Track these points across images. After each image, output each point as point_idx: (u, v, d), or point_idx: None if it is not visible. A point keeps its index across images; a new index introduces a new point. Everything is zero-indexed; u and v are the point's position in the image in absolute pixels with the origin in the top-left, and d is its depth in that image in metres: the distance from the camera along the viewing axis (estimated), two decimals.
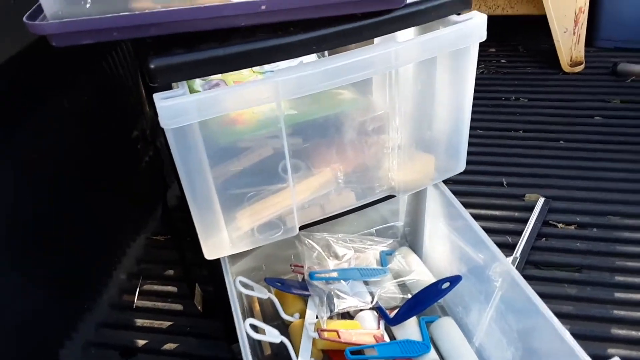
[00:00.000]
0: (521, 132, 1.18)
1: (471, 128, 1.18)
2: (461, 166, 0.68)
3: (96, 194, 0.85)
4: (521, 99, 1.29)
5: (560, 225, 0.94)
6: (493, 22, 1.49)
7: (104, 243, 0.90)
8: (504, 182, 1.04)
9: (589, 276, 0.85)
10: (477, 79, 1.35)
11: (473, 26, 0.58)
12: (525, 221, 0.94)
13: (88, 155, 0.83)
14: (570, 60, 1.34)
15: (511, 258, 0.86)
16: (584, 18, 1.29)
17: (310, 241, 0.70)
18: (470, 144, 1.14)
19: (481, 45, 1.59)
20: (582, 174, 1.04)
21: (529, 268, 0.87)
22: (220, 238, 0.54)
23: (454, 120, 0.65)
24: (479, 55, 1.46)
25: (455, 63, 0.61)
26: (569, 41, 1.31)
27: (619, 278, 0.85)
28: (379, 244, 0.77)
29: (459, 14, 0.59)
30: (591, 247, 0.90)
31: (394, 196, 0.65)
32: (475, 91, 1.37)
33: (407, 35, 0.62)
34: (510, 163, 1.09)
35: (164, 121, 0.44)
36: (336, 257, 0.72)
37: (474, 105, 1.31)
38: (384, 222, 0.82)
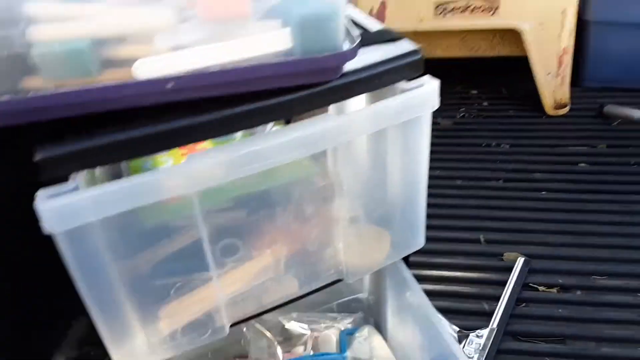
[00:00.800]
0: (501, 181, 1.12)
1: (451, 178, 1.14)
2: (420, 242, 0.62)
3: None
4: (502, 145, 1.23)
5: (541, 288, 0.87)
6: (475, 64, 1.47)
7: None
8: (482, 239, 0.98)
9: (573, 348, 0.78)
10: (458, 123, 1.33)
11: (423, 94, 0.53)
12: (503, 284, 0.88)
13: None
14: (555, 103, 1.29)
15: (487, 330, 0.79)
16: (568, 59, 1.25)
17: (258, 325, 0.63)
18: (449, 196, 1.10)
19: (463, 87, 1.56)
20: (565, 228, 0.98)
21: (508, 340, 0.80)
22: (133, 346, 0.47)
23: (409, 194, 0.59)
24: (462, 99, 1.44)
25: (407, 134, 0.55)
26: (552, 83, 1.26)
27: (606, 349, 0.78)
28: (341, 321, 0.71)
29: (409, 80, 0.54)
30: (575, 314, 0.83)
31: (341, 280, 0.58)
32: (456, 137, 1.33)
33: (358, 102, 0.57)
34: (489, 217, 1.03)
35: (49, 225, 0.38)
36: (290, 340, 0.66)
37: (455, 153, 1.26)
38: (347, 294, 0.75)
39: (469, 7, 1.18)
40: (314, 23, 0.43)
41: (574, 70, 1.35)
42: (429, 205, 1.08)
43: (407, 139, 0.56)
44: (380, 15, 1.22)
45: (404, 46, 0.54)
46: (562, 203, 1.04)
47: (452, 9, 1.19)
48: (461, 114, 1.35)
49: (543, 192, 1.08)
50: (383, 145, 0.56)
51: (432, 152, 1.35)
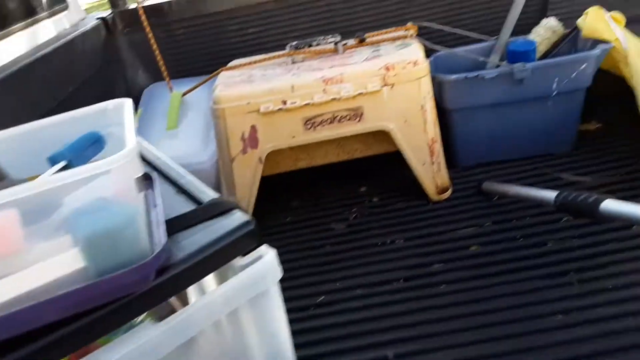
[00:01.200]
0: (402, 281, 1.11)
1: (351, 288, 1.12)
2: None
3: None
4: (397, 241, 1.24)
5: None
6: (360, 163, 1.51)
7: None
8: (390, 356, 0.94)
9: None
10: (351, 225, 1.32)
11: (263, 268, 0.50)
12: None
13: None
14: (437, 188, 1.33)
15: None
16: (438, 147, 1.31)
17: None
18: (350, 310, 1.05)
19: (352, 186, 1.56)
20: (468, 324, 0.96)
21: None
22: None
23: None
24: (352, 199, 1.45)
25: (259, 307, 0.52)
26: (430, 171, 1.31)
27: None
28: None
29: (245, 254, 0.51)
30: None
31: None
32: (352, 240, 1.31)
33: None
34: (395, 326, 0.99)
35: None
36: None
37: (352, 258, 1.23)
38: None
39: (335, 117, 1.22)
40: (105, 239, 0.40)
41: (449, 153, 1.43)
42: (329, 327, 1.04)
43: (262, 312, 0.52)
44: (252, 138, 1.23)
45: (237, 218, 0.52)
46: (461, 294, 1.04)
47: (321, 122, 1.22)
48: (354, 215, 1.36)
49: (442, 286, 1.07)
50: (238, 326, 0.52)
51: (329, 262, 1.31)
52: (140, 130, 1.48)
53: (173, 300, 0.50)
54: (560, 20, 1.50)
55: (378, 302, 1.07)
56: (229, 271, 0.50)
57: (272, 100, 1.20)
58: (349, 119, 1.22)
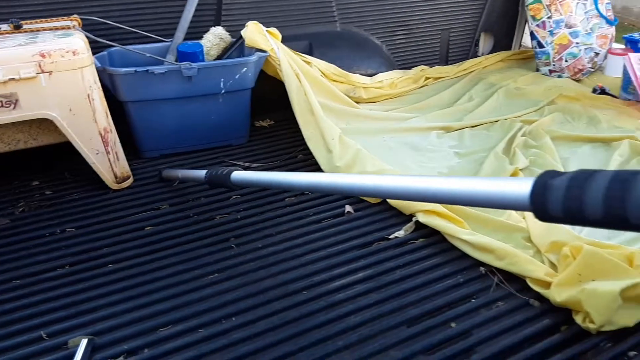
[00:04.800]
0: (68, 267, 1.08)
1: (5, 281, 1.03)
2: None
3: None
4: (67, 230, 1.19)
5: None
6: (35, 155, 1.41)
7: None
8: (43, 335, 0.90)
9: None
10: (17, 219, 1.22)
11: None
12: None
13: None
14: (116, 178, 1.34)
15: None
16: (114, 137, 1.32)
17: None
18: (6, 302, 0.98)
19: (22, 180, 1.44)
20: (130, 295, 1.00)
21: None
22: None
23: None
24: (19, 192, 1.34)
25: None
26: (106, 161, 1.31)
27: None
28: None
29: None
30: None
31: None
32: (14, 234, 1.21)
33: None
34: (52, 309, 0.96)
35: None
36: None
37: (15, 251, 1.12)
38: None
39: None
40: None
41: (133, 145, 1.45)
42: None
43: None
44: None
45: None
46: (128, 270, 1.07)
47: None
48: (20, 209, 1.25)
49: (109, 266, 1.09)
50: None
51: None
52: None
53: None
54: (235, 30, 1.70)
55: (37, 290, 1.01)
56: None
57: None
58: (1, 106, 1.13)
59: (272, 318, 0.96)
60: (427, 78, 2.13)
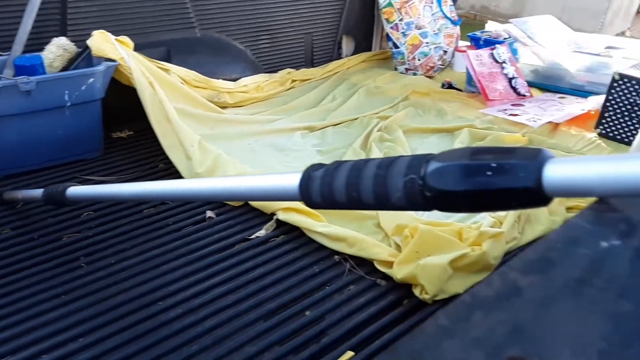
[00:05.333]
0: None
1: None
2: None
3: None
4: None
5: None
6: None
7: None
8: None
9: None
10: None
11: None
12: None
13: None
14: None
15: None
16: None
17: None
18: None
19: None
20: None
21: None
22: None
23: None
24: None
25: None
26: None
27: None
28: None
29: None
30: None
31: None
32: None
33: None
34: None
35: None
36: None
37: None
38: None
39: None
40: None
41: None
42: None
43: None
44: None
45: None
46: None
47: None
48: None
49: None
50: None
51: None
52: None
53: None
54: (83, 40, 1.61)
55: None
56: None
57: None
58: None
59: (123, 333, 0.93)
60: (294, 80, 2.18)
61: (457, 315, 0.25)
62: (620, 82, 1.60)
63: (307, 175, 0.49)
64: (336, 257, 1.14)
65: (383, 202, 0.41)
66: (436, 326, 0.22)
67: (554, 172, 0.30)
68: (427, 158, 0.37)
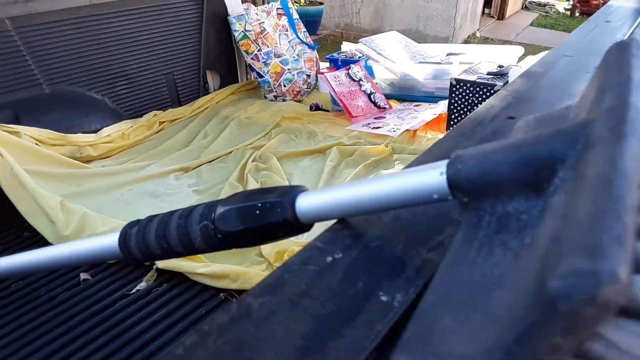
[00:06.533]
0: None
1: None
2: None
3: None
4: None
5: None
6: None
7: None
8: None
9: None
10: None
11: None
12: None
13: None
14: None
15: None
16: None
17: None
18: None
19: None
20: None
21: None
22: None
23: None
24: None
25: None
26: None
27: None
28: None
29: None
30: None
31: None
32: None
33: None
34: None
35: None
36: None
37: None
38: None
39: None
40: None
41: None
42: None
43: None
44: None
45: None
46: None
47: None
48: None
49: None
50: None
51: None
52: None
53: None
54: None
55: None
56: None
57: None
58: None
59: None
60: (162, 122, 2.15)
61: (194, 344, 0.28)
62: (457, 86, 1.80)
63: (125, 233, 0.51)
64: (222, 294, 1.14)
65: (189, 249, 0.44)
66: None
67: (303, 204, 0.35)
68: (216, 204, 0.41)
